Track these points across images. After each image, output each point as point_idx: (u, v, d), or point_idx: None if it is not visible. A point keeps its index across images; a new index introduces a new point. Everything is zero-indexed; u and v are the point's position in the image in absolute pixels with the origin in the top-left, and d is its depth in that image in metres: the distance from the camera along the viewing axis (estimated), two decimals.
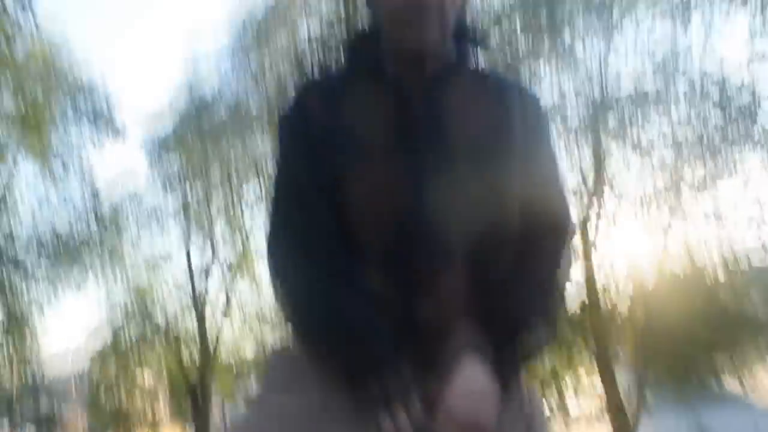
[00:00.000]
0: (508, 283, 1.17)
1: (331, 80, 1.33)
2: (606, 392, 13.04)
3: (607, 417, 13.20)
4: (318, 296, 1.14)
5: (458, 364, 1.09)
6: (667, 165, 12.15)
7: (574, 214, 12.36)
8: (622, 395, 13.20)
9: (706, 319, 13.33)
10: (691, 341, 13.39)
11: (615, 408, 12.82)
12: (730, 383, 14.15)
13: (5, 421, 17.02)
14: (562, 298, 1.27)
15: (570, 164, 12.51)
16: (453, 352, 1.11)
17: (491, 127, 1.20)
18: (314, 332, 1.16)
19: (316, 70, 13.36)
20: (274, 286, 1.22)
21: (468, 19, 1.31)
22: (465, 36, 1.28)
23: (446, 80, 1.21)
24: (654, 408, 13.82)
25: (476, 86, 1.24)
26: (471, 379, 1.08)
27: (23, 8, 6.07)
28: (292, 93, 1.32)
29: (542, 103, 1.32)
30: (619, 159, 12.59)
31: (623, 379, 14.02)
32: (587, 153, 12.50)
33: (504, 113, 1.22)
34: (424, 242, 1.13)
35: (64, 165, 14.87)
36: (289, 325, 1.20)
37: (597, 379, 13.82)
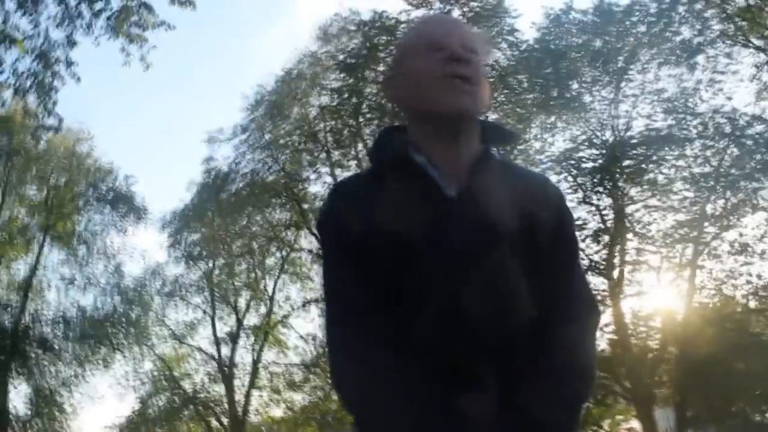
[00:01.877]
0: (544, 372, 1.18)
1: (361, 180, 1.34)
2: (644, 430, 12.81)
3: None
4: (382, 410, 1.14)
5: None
6: (687, 201, 12.20)
7: (599, 257, 12.38)
8: None
9: (739, 349, 13.19)
10: (727, 373, 13.21)
11: None
12: None
13: None
14: (594, 377, 1.26)
15: (588, 209, 12.63)
16: None
17: (523, 217, 1.20)
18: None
19: (328, 138, 13.63)
20: (338, 392, 1.23)
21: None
22: (494, 131, 1.31)
23: (477, 171, 1.21)
24: None
25: (505, 177, 1.25)
26: None
27: (45, 108, 6.25)
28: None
29: (563, 195, 1.36)
30: (637, 200, 12.64)
31: (662, 418, 13.81)
32: (605, 197, 12.59)
33: (532, 204, 1.23)
34: (468, 335, 1.15)
35: (89, 247, 15.08)
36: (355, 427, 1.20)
37: (635, 422, 13.60)
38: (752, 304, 12.80)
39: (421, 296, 1.16)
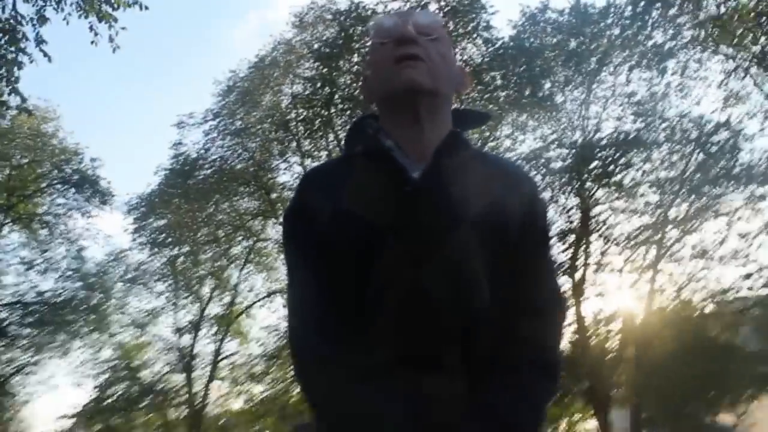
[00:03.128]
0: (512, 369, 1.18)
1: (331, 166, 1.38)
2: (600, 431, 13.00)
3: None
4: (341, 396, 1.16)
5: None
6: (651, 204, 12.42)
7: (564, 256, 12.53)
8: None
9: (696, 352, 13.45)
10: (683, 375, 13.47)
11: None
12: (725, 417, 14.13)
13: None
14: (559, 375, 1.26)
15: (556, 208, 12.78)
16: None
17: (491, 204, 1.20)
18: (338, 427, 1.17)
19: (299, 127, 13.54)
20: (299, 381, 1.25)
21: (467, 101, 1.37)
22: (463, 114, 1.32)
23: (443, 153, 1.22)
24: None
25: (475, 164, 1.25)
26: None
27: (7, 84, 6.09)
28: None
29: (538, 186, 1.35)
30: (603, 201, 12.82)
31: (618, 418, 14.02)
32: (573, 197, 12.75)
33: (502, 191, 1.23)
34: (430, 318, 1.15)
35: (50, 230, 14.78)
36: (314, 416, 1.22)
37: (592, 422, 13.78)
38: (709, 308, 13.08)
39: (385, 281, 1.17)
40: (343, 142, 1.40)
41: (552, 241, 1.33)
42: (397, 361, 1.15)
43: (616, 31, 11.50)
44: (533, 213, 1.27)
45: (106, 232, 20.96)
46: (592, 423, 13.89)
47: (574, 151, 11.91)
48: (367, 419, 1.13)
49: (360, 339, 1.16)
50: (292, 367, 1.29)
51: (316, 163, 12.93)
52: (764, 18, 10.18)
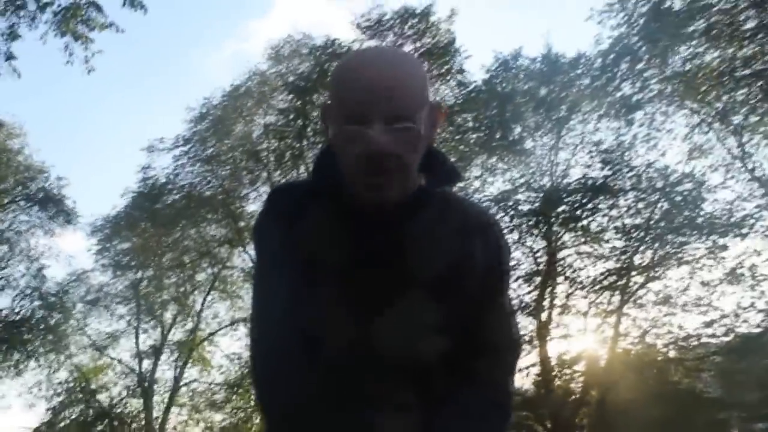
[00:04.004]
0: (464, 408, 1.20)
1: (297, 190, 1.32)
2: None
3: None
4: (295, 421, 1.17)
5: None
6: (617, 250, 12.54)
7: (529, 298, 12.59)
8: None
9: (658, 397, 13.56)
10: (645, 419, 13.56)
11: None
12: None
13: None
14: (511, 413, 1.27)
15: (523, 250, 12.86)
16: None
17: (450, 263, 1.20)
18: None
19: (270, 158, 13.48)
20: (256, 390, 1.26)
21: (438, 151, 1.26)
22: (434, 169, 1.25)
23: (409, 209, 1.20)
24: None
25: (438, 213, 1.23)
26: None
27: None
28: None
29: (502, 231, 1.31)
30: (570, 245, 12.93)
31: None
32: (540, 239, 12.84)
33: (463, 247, 1.22)
34: (374, 361, 1.16)
35: (11, 247, 14.48)
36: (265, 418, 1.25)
37: None
38: (672, 353, 13.18)
39: (334, 320, 1.17)
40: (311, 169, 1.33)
41: (513, 283, 1.30)
42: (348, 397, 1.16)
43: (586, 81, 11.71)
44: (496, 260, 1.25)
45: (69, 252, 20.57)
46: None
47: (542, 195, 12.02)
48: None
49: (314, 365, 1.17)
50: (253, 389, 1.30)
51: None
52: (726, 77, 10.42)
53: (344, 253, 1.19)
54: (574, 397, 13.26)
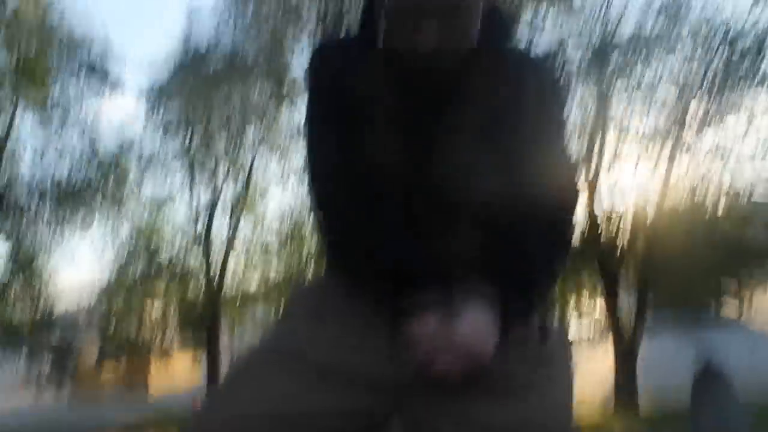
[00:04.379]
0: (518, 242, 1.23)
1: (345, 43, 1.35)
2: (608, 316, 13.45)
3: (608, 340, 13.64)
4: (357, 225, 1.22)
5: (465, 304, 1.15)
6: (671, 102, 12.18)
7: (580, 150, 12.46)
8: (623, 319, 13.69)
9: (707, 246, 13.68)
10: (692, 267, 13.78)
11: (616, 331, 13.27)
12: (729, 308, 14.59)
13: (23, 353, 17.51)
14: (568, 255, 1.32)
15: (574, 102, 12.54)
16: (461, 295, 1.16)
17: (503, 99, 1.22)
18: (352, 248, 1.24)
19: (313, 18, 13.04)
20: (311, 191, 1.31)
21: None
22: (492, 20, 1.25)
23: (462, 64, 1.21)
24: (654, 331, 14.37)
25: (492, 62, 1.24)
26: (474, 317, 1.14)
27: None
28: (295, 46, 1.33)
29: (560, 76, 1.37)
30: (622, 97, 12.56)
31: (625, 303, 14.48)
32: (591, 88, 12.49)
33: (517, 86, 1.24)
34: (435, 201, 1.20)
35: (64, 115, 14.70)
36: (328, 247, 1.31)
37: (599, 304, 14.19)
38: (722, 206, 13.12)
39: (389, 158, 1.21)
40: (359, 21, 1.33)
41: (568, 128, 1.35)
42: (408, 225, 1.21)
43: None
44: (549, 101, 1.28)
45: (118, 118, 20.78)
46: (600, 302, 14.29)
47: (594, 46, 11.53)
48: (376, 238, 1.20)
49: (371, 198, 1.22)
50: (314, 233, 1.38)
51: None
52: None
53: (394, 99, 1.21)
54: (620, 249, 13.42)
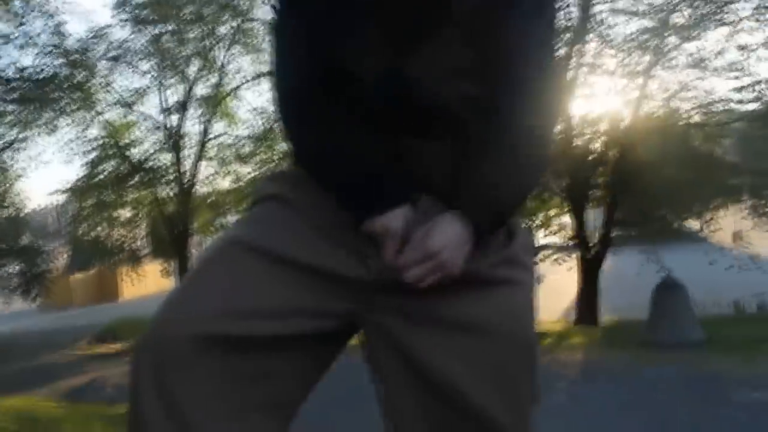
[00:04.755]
0: (492, 156, 1.19)
1: None
2: (574, 228, 13.62)
3: (573, 252, 13.86)
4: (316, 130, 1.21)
5: (437, 214, 1.14)
6: (654, 7, 11.93)
7: (558, 52, 12.30)
8: (589, 234, 13.86)
9: (676, 160, 13.73)
10: (660, 180, 13.86)
11: (582, 243, 13.46)
12: (693, 224, 14.79)
13: None
14: (543, 172, 1.31)
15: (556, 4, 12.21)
16: (432, 205, 1.16)
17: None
18: (313, 156, 1.22)
19: None
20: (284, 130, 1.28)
21: None
22: None
23: None
24: (618, 244, 14.60)
25: None
26: (446, 228, 1.13)
27: None
28: None
29: None
30: (604, 3, 12.29)
31: (592, 217, 14.64)
32: None
33: None
34: (409, 99, 1.16)
35: (26, 1, 14.07)
36: (290, 147, 1.27)
37: (566, 218, 14.33)
38: (696, 118, 13.10)
39: (364, 53, 1.16)
40: None
41: (555, 42, 1.30)
42: (379, 128, 1.17)
43: None
44: (536, 11, 1.22)
45: (86, 7, 19.99)
46: (566, 219, 14.44)
47: None
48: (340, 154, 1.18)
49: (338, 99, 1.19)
50: (281, 134, 1.36)
51: None
52: None
53: None
54: (593, 156, 13.42)
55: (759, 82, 11.63)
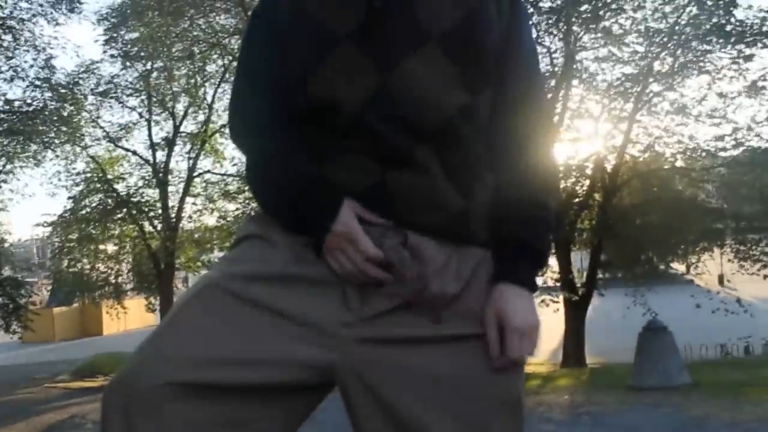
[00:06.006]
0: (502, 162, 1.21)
1: None
2: (560, 270, 13.64)
3: (560, 293, 13.86)
4: (258, 153, 1.23)
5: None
6: (637, 55, 12.20)
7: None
8: (575, 273, 13.92)
9: (660, 204, 13.90)
10: (644, 223, 14.02)
11: (568, 285, 13.48)
12: (677, 266, 14.89)
13: None
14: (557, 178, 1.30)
15: (541, 50, 12.46)
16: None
17: (465, 17, 1.16)
18: (251, 178, 1.26)
19: None
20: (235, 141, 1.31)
21: None
22: None
23: None
24: (604, 286, 14.65)
25: None
26: (515, 298, 1.15)
27: None
28: None
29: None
30: (589, 48, 12.55)
31: (577, 260, 14.71)
32: (558, 40, 12.46)
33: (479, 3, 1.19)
34: (393, 120, 1.12)
35: (14, 36, 14.12)
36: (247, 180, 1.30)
37: (552, 260, 14.36)
38: (679, 163, 13.31)
39: (340, 82, 1.14)
40: None
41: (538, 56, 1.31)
42: (360, 152, 1.14)
43: None
44: (512, 15, 1.23)
45: (76, 43, 20.12)
46: (552, 261, 14.46)
47: None
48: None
49: (307, 131, 1.18)
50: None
51: None
52: None
53: (353, 13, 1.15)
54: (578, 199, 13.55)
55: (739, 129, 11.86)
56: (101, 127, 17.35)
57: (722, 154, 12.41)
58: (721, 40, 11.19)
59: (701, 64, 11.74)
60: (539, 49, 12.20)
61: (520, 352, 1.14)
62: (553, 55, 12.55)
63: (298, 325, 1.13)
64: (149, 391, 1.09)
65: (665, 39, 11.73)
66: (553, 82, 12.53)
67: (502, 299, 1.15)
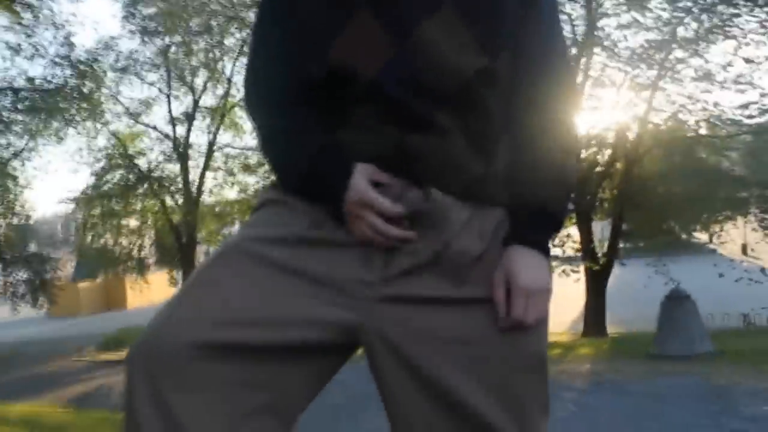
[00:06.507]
0: (527, 134, 1.18)
1: None
2: (581, 240, 13.57)
3: (581, 263, 13.81)
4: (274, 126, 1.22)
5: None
6: (661, 20, 11.94)
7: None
8: (596, 243, 13.83)
9: (683, 172, 13.73)
10: (667, 192, 13.87)
11: (589, 255, 13.42)
12: (699, 235, 14.73)
13: None
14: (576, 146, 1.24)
15: (561, 17, 12.24)
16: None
17: None
18: (267, 149, 1.25)
19: None
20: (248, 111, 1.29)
21: None
22: None
23: None
24: (625, 256, 14.55)
25: None
26: (527, 258, 1.14)
27: None
28: None
29: None
30: (611, 14, 12.31)
31: (598, 229, 14.61)
32: (580, 7, 12.24)
33: None
34: (412, 85, 1.12)
35: (34, 14, 14.17)
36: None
37: (573, 229, 14.28)
38: (703, 131, 13.08)
39: (364, 45, 1.13)
40: None
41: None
42: (379, 119, 1.13)
43: None
44: None
45: (94, 18, 20.20)
46: (573, 231, 14.38)
47: None
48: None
49: (323, 102, 1.17)
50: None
51: None
52: None
53: None
54: (600, 168, 13.41)
55: (766, 95, 11.61)
56: (121, 103, 17.45)
57: (748, 121, 12.16)
58: (748, 3, 10.89)
59: (727, 28, 11.44)
60: (560, 17, 12.04)
61: (526, 313, 1.12)
62: (575, 23, 12.32)
63: (320, 286, 1.13)
64: (173, 353, 1.09)
65: (690, 3, 11.44)
66: (574, 50, 12.32)
67: (511, 260, 1.14)
